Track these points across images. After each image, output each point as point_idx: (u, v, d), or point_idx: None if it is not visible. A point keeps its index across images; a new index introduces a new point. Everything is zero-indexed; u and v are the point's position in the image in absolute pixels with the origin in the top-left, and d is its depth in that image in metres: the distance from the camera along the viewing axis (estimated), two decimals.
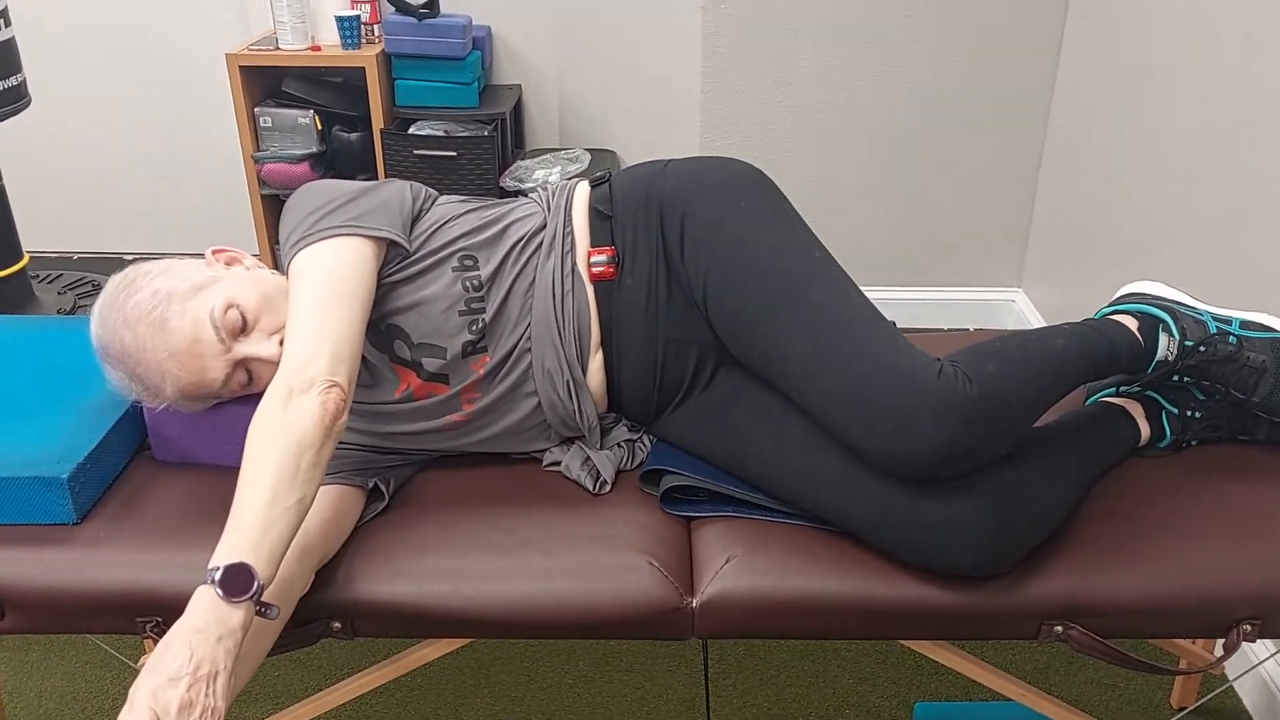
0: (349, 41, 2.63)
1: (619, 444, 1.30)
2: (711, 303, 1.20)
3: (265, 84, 2.77)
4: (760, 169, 1.28)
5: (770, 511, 1.21)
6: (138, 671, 0.88)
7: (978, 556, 1.07)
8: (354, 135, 2.76)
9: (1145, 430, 1.30)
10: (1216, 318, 1.28)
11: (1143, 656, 1.17)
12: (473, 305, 1.21)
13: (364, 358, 1.21)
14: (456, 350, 1.21)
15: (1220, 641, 1.15)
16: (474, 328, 1.21)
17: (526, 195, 1.35)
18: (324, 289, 1.10)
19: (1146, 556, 1.15)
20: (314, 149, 2.74)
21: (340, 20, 2.61)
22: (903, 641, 1.20)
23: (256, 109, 2.71)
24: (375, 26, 2.70)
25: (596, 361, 1.26)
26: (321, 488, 1.10)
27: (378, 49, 2.66)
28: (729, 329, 1.20)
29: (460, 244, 1.24)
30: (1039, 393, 1.13)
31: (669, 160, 1.31)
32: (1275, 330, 1.26)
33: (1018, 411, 1.10)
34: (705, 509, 1.23)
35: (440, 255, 1.23)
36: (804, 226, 1.22)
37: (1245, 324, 1.28)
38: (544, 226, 1.27)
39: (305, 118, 2.73)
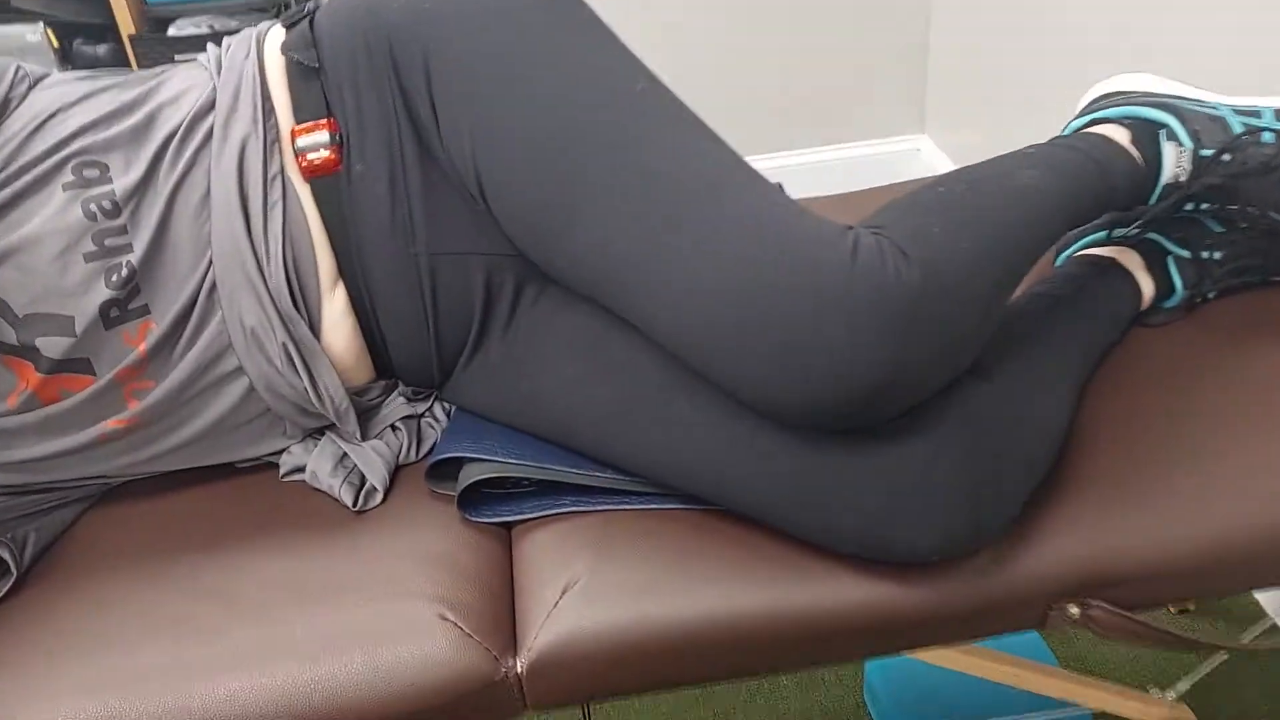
0: None
1: (394, 426, 0.86)
2: (489, 185, 0.76)
3: None
4: None
5: (625, 496, 0.79)
6: None
7: (947, 533, 0.67)
8: (101, 48, 2.26)
9: (1148, 287, 0.91)
10: (1239, 110, 0.88)
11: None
12: (108, 241, 0.75)
13: None
14: (91, 316, 0.75)
15: None
16: (115, 278, 0.75)
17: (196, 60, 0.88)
18: None
19: (1180, 489, 0.76)
20: (52, 71, 2.19)
21: None
22: None
23: None
24: None
25: (337, 303, 0.82)
26: None
27: None
28: (521, 224, 0.76)
29: (76, 144, 0.77)
30: (1011, 259, 0.72)
31: None
32: None
33: (982, 295, 0.69)
34: (530, 506, 0.80)
35: (42, 168, 0.76)
36: (619, 46, 0.78)
37: None
38: (214, 103, 0.81)
39: (35, 34, 2.21)
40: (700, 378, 0.72)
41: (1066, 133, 0.92)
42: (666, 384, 0.74)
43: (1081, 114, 0.94)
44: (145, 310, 0.77)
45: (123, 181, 0.76)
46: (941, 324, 0.65)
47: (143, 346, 0.76)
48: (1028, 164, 0.79)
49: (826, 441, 0.68)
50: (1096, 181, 0.82)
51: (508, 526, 0.81)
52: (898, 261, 0.64)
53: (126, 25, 2.16)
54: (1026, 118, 1.94)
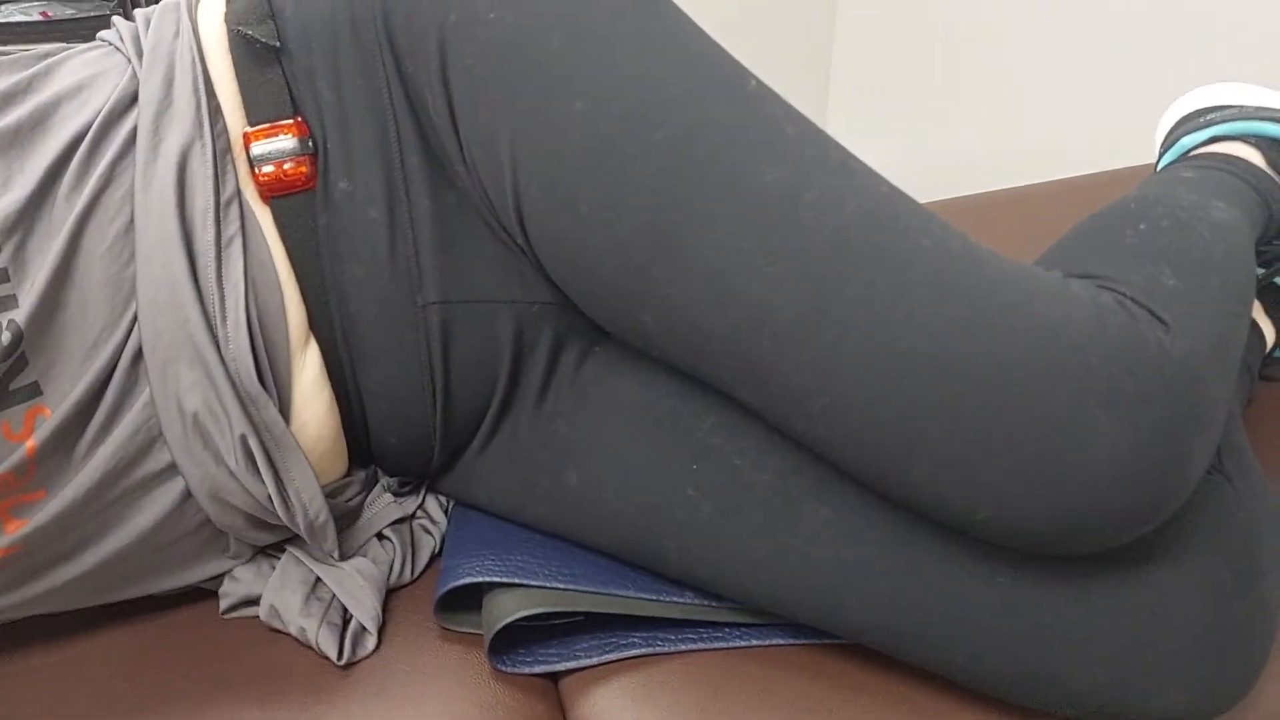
0: None
1: (382, 535, 0.64)
2: (534, 213, 0.55)
3: None
4: None
5: (716, 630, 0.60)
6: None
7: (1206, 683, 0.50)
8: None
9: (1270, 333, 0.78)
10: None
11: None
12: None
13: None
14: None
15: None
16: None
17: (101, 39, 0.64)
18: None
19: None
20: None
21: None
22: None
23: None
24: None
25: (309, 371, 0.59)
26: None
27: None
28: (589, 269, 0.55)
29: None
30: (1245, 306, 0.57)
31: None
32: None
33: (1236, 355, 0.53)
34: (585, 647, 0.60)
35: None
36: (701, 33, 0.58)
37: None
38: (135, 96, 0.57)
39: None
40: (841, 479, 0.53)
41: (1178, 152, 0.78)
42: (791, 483, 0.55)
43: (1181, 131, 0.80)
44: (35, 391, 0.52)
45: (5, 200, 0.52)
46: (1212, 402, 0.48)
47: (30, 442, 0.52)
48: (1203, 192, 0.64)
49: (1038, 569, 0.50)
50: (1261, 210, 0.68)
51: (553, 676, 0.60)
52: (1153, 329, 0.47)
53: None
54: (930, 135, 1.86)
